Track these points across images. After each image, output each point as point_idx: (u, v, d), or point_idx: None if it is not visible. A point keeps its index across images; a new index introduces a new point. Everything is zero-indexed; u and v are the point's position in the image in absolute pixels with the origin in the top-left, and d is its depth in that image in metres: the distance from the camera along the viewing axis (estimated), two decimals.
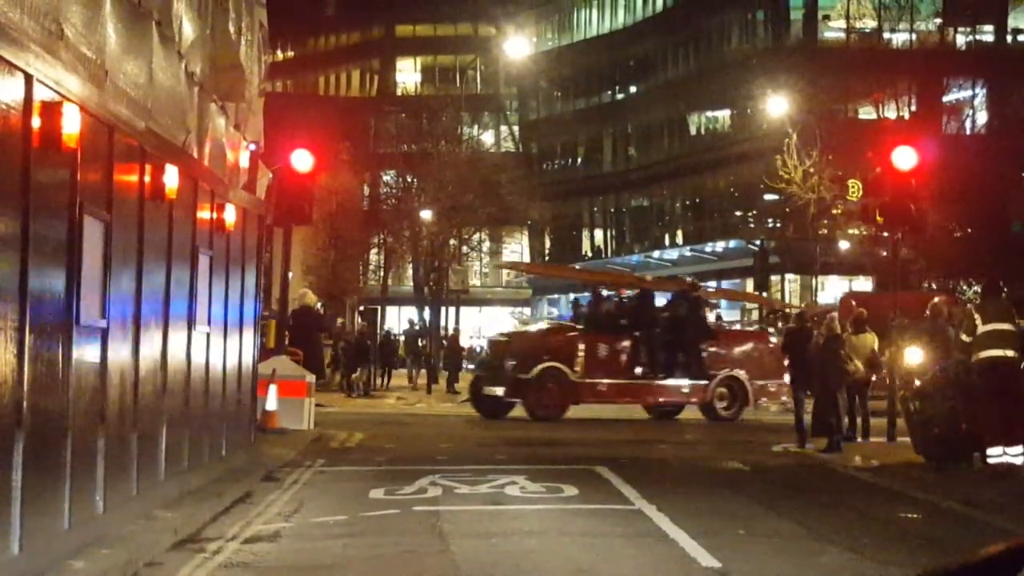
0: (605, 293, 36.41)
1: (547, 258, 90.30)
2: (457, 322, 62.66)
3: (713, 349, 33.55)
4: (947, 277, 49.37)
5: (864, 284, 60.63)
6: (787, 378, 35.14)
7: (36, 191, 10.59)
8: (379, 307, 69.73)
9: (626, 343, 33.07)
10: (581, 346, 32.67)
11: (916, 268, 47.85)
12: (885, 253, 49.33)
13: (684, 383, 33.03)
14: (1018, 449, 19.48)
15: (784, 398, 33.66)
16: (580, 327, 33.76)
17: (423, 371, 51.74)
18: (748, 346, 34.73)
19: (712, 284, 75.68)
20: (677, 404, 33.77)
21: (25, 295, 10.43)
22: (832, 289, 62.90)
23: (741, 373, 33.31)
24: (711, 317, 36.60)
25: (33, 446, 10.58)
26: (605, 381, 32.54)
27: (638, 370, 32.83)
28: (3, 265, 10.13)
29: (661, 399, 33.55)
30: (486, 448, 24.19)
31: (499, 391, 32.16)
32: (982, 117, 63.18)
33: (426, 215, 71.31)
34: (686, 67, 78.41)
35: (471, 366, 46.55)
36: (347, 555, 12.95)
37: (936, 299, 26.28)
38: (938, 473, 19.60)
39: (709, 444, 25.93)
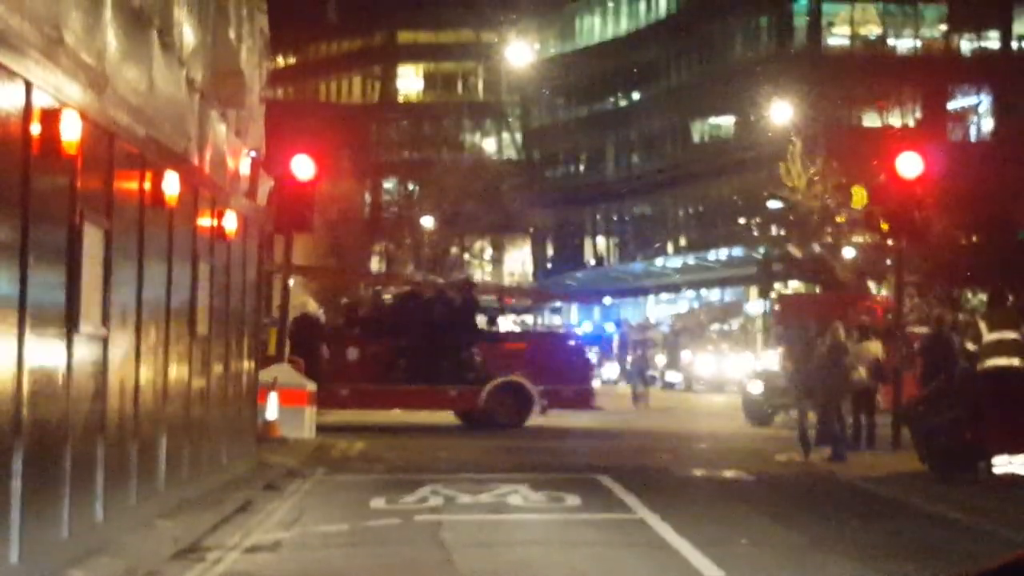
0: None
1: (550, 266, 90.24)
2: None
3: (494, 352, 31.58)
4: (952, 285, 49.30)
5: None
6: (597, 383, 34.00)
7: (36, 198, 10.52)
8: None
9: (381, 346, 31.17)
10: (319, 350, 30.76)
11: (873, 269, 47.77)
12: (799, 254, 48.97)
13: (451, 388, 31.10)
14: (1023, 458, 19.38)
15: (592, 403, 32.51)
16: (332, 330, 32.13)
17: None
18: (538, 349, 32.94)
19: (715, 292, 75.84)
20: (447, 410, 31.73)
21: (25, 303, 10.36)
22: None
23: (523, 377, 31.12)
24: (510, 319, 35.41)
25: (33, 454, 10.50)
26: (351, 387, 30.56)
27: (394, 375, 30.97)
28: (3, 273, 10.06)
29: (422, 405, 31.45)
30: (487, 457, 24.12)
31: None
32: (987, 124, 63.15)
33: (428, 223, 71.35)
34: (689, 74, 78.37)
35: None
36: (348, 565, 12.89)
37: (937, 311, 26.21)
38: (943, 483, 19.51)
39: (712, 453, 25.85)
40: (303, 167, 25.57)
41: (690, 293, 78.96)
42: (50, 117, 10.60)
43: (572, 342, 34.58)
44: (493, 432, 29.83)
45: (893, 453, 23.90)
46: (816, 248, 45.78)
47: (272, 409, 25.12)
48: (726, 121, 77.30)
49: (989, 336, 19.73)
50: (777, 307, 36.53)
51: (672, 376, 57.24)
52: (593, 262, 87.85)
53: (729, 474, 21.73)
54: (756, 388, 34.31)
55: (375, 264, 77.41)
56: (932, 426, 20.64)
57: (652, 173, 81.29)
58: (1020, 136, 52.95)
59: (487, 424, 30.73)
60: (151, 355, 14.72)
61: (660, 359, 58.78)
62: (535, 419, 31.46)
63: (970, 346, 20.18)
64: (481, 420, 31.15)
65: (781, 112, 57.76)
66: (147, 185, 14.23)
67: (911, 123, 60.10)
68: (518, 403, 31.17)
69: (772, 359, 35.20)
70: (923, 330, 31.52)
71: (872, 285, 37.72)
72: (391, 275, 58.27)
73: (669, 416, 34.76)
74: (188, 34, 16.02)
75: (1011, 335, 19.72)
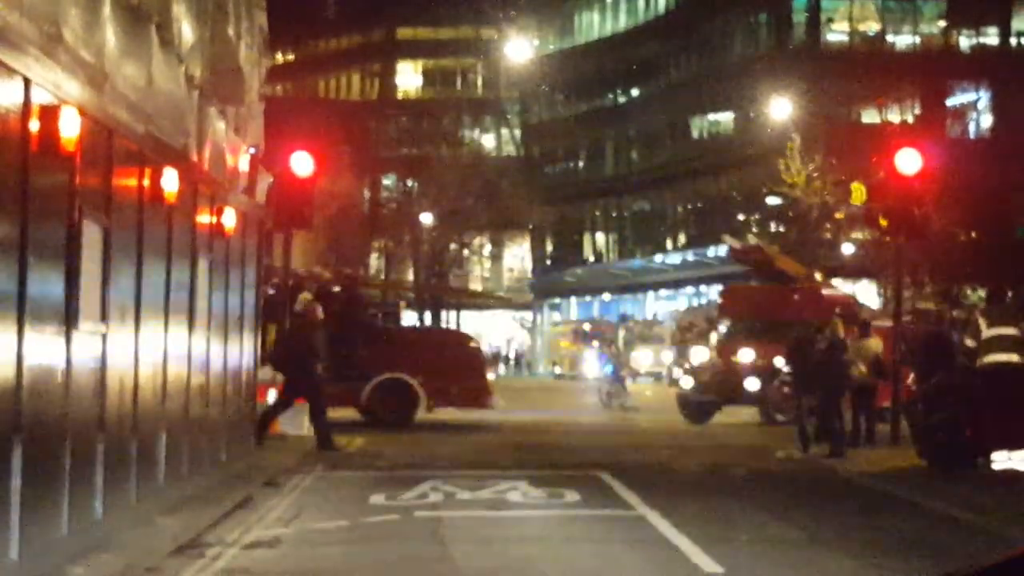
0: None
1: (548, 263, 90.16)
2: (457, 327, 62.64)
3: (379, 349, 30.49)
4: (951, 281, 49.32)
5: (868, 288, 60.53)
6: (491, 376, 32.89)
7: (35, 195, 10.52)
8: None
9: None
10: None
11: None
12: (736, 244, 48.50)
13: (328, 384, 28.70)
14: (1023, 454, 19.38)
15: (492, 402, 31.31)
16: None
17: None
18: (428, 347, 31.98)
19: (715, 288, 75.78)
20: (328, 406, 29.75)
21: (24, 300, 10.35)
22: None
23: (408, 375, 30.12)
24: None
25: (32, 452, 10.50)
26: None
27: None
28: (2, 270, 10.06)
29: (298, 401, 29.78)
30: (487, 453, 24.12)
31: None
32: (986, 120, 63.16)
33: (427, 219, 71.32)
34: (688, 70, 78.32)
35: None
36: (348, 561, 12.88)
37: (924, 305, 26.25)
38: (942, 479, 19.51)
39: (711, 450, 25.85)
40: (302, 164, 25.53)
41: (690, 289, 78.93)
42: (49, 114, 10.59)
43: (469, 341, 33.80)
44: (492, 430, 29.83)
45: (892, 449, 23.90)
46: (751, 239, 45.50)
47: None
48: (725, 117, 77.26)
49: (988, 332, 19.74)
50: (721, 300, 35.74)
51: (678, 373, 57.21)
52: (592, 258, 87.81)
53: (728, 470, 21.73)
54: (687, 383, 33.73)
55: (374, 261, 77.47)
56: (931, 422, 20.64)
57: (651, 169, 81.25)
58: (1019, 132, 52.97)
59: (373, 422, 29.79)
60: (150, 351, 14.72)
61: (667, 355, 58.79)
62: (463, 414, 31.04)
63: (969, 342, 20.19)
64: (366, 417, 30.37)
65: (780, 108, 57.76)
66: (146, 182, 14.23)
67: (910, 119, 60.08)
68: (402, 401, 30.28)
69: (704, 354, 34.52)
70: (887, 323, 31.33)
71: (818, 275, 37.50)
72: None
73: (670, 413, 34.67)
74: (187, 31, 16.01)
75: (1010, 331, 19.72)
